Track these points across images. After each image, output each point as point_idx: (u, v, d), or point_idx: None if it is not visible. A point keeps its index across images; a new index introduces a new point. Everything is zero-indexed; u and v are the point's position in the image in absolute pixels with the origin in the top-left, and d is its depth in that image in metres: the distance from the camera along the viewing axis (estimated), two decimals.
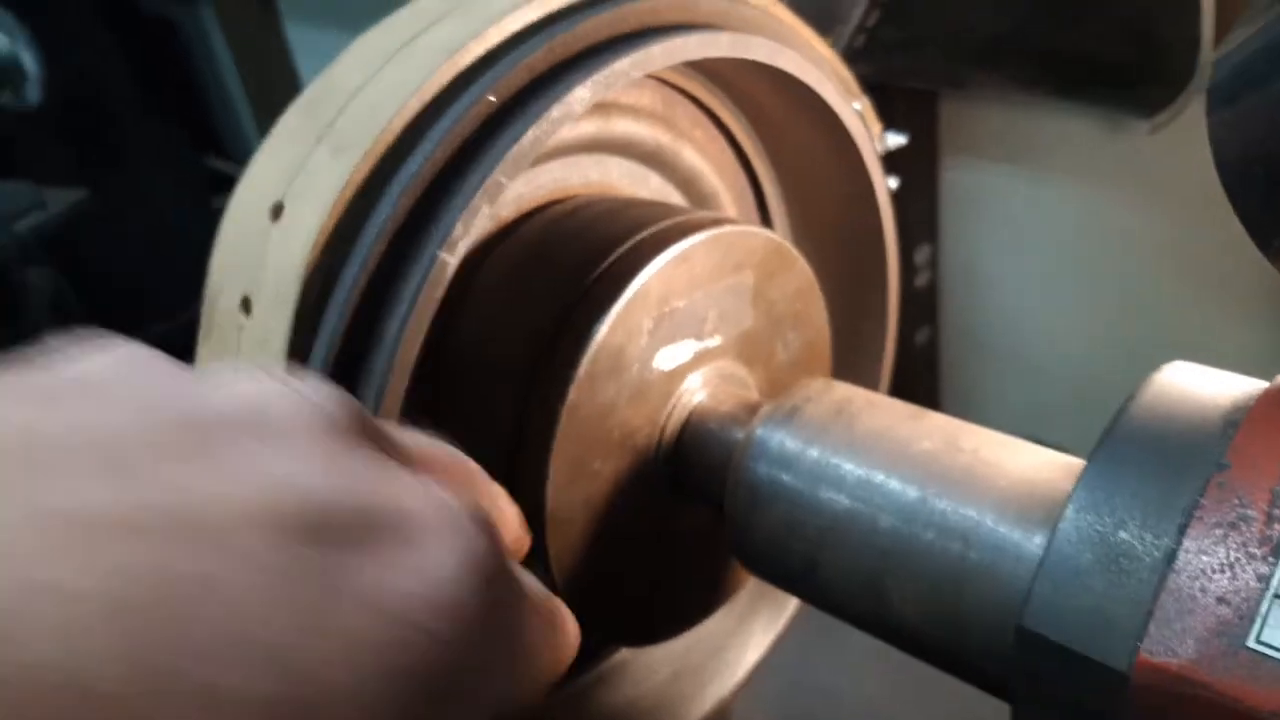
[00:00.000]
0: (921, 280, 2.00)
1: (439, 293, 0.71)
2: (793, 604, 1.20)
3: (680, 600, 1.01)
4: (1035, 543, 0.69)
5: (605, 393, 0.84)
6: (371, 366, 0.70)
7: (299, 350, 0.71)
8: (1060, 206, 1.84)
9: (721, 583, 1.04)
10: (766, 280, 0.95)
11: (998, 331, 2.06)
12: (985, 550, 0.71)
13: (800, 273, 0.99)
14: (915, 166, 1.87)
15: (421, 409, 0.87)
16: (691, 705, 1.15)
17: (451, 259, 0.71)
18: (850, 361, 1.19)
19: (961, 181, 1.92)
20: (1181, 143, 1.59)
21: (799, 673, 1.80)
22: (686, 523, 0.97)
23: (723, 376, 0.94)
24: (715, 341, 0.92)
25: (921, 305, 2.02)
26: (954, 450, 0.77)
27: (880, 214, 1.11)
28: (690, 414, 0.92)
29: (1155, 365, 0.70)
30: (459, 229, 0.71)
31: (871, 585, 0.76)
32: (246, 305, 0.74)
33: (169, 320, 4.19)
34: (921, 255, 1.98)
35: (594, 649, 1.15)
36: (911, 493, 0.76)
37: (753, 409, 0.90)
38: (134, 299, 4.07)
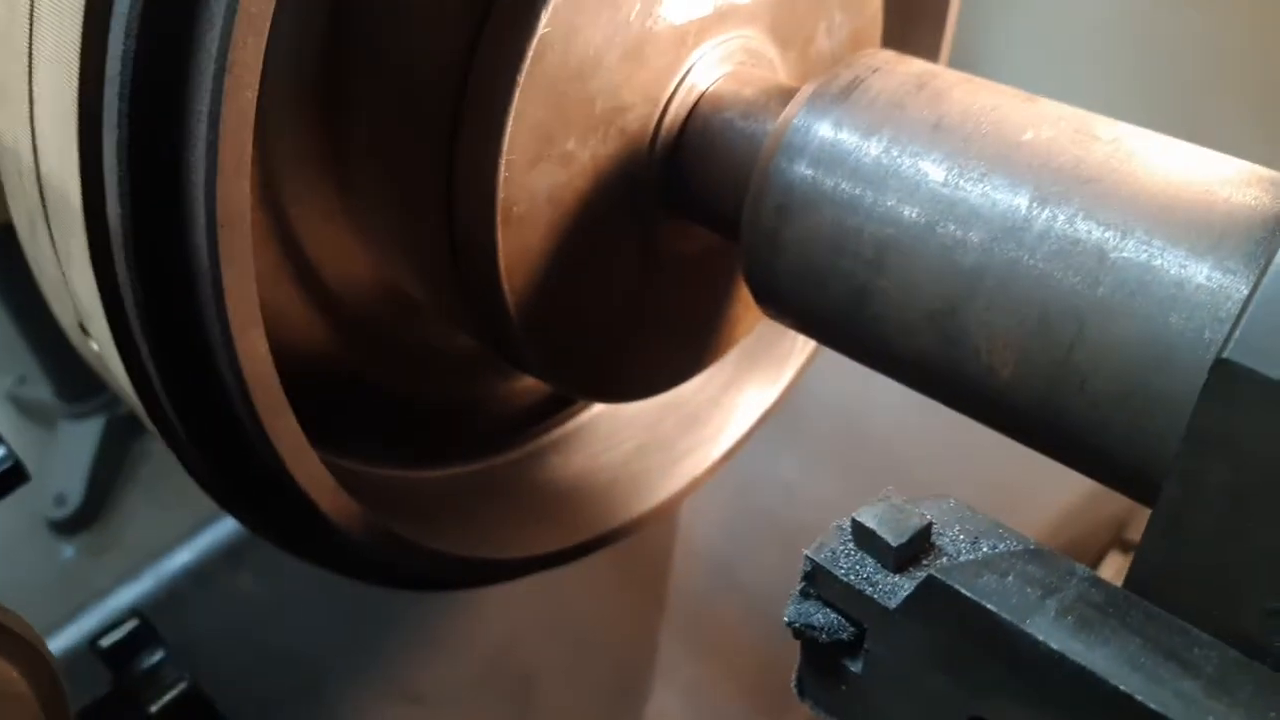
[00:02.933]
0: None
1: None
2: (789, 372, 1.00)
3: (661, 351, 0.79)
4: (1210, 267, 0.47)
5: (592, 34, 0.59)
6: None
7: None
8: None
9: (713, 336, 0.82)
10: None
11: None
12: (1127, 274, 0.50)
13: None
14: None
15: (325, 45, 0.62)
16: (660, 482, 0.96)
17: None
18: None
19: None
20: None
21: (759, 468, 1.64)
22: (679, 250, 0.74)
23: (748, 53, 0.70)
24: None
25: None
26: (1085, 140, 0.54)
27: None
28: (702, 97, 0.68)
29: None
30: None
31: (947, 320, 0.55)
32: None
33: None
34: None
35: (550, 405, 0.94)
36: (1021, 196, 0.53)
37: (786, 95, 0.66)
38: None
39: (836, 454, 1.67)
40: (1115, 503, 1.49)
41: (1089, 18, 1.62)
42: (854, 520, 0.43)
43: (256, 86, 0.47)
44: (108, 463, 2.87)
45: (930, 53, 0.94)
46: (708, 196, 0.68)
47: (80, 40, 0.46)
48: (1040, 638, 0.37)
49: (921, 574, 0.41)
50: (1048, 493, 1.50)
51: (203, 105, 0.46)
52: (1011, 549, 0.42)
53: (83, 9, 0.46)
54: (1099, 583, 0.41)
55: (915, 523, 0.42)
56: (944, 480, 1.57)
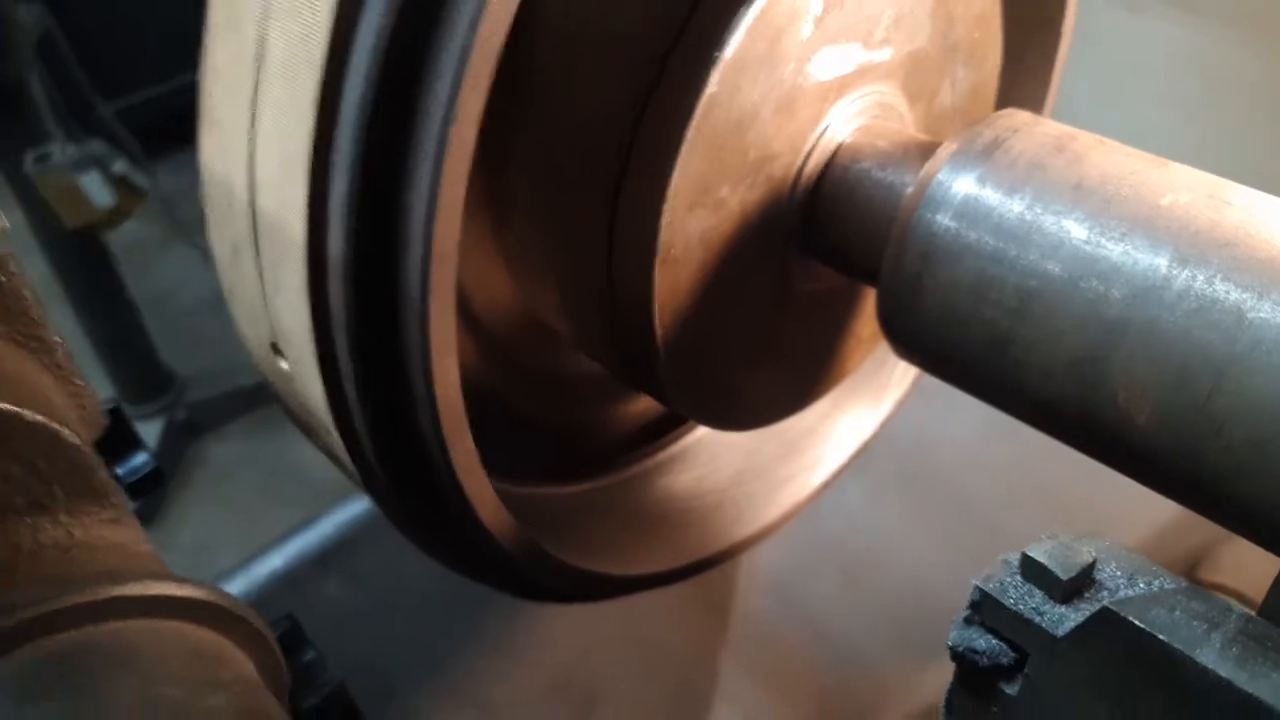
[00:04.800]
0: None
1: None
2: (888, 404, 1.04)
3: (781, 383, 0.84)
4: None
5: (751, 91, 0.64)
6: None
7: None
8: (1158, 35, 1.60)
9: (826, 370, 0.86)
10: None
11: None
12: (1263, 333, 0.53)
13: None
14: None
15: (507, 87, 0.67)
16: (760, 509, 0.99)
17: None
18: None
19: None
20: None
21: (824, 495, 1.67)
22: (806, 288, 0.78)
23: (882, 106, 0.74)
24: (884, 55, 0.71)
25: None
26: (1219, 205, 0.58)
27: None
28: (840, 147, 0.72)
29: None
30: None
31: (1087, 368, 0.59)
32: None
33: (161, 83, 3.86)
34: None
35: (656, 427, 0.99)
36: (1162, 256, 0.57)
37: (925, 148, 0.70)
38: (126, 52, 3.75)
39: (902, 483, 1.69)
40: (1185, 541, 1.50)
41: (1157, 54, 1.63)
42: (1024, 555, 0.47)
43: (475, 135, 0.52)
44: (165, 465, 2.94)
45: (1036, 101, 0.98)
46: (843, 239, 0.73)
47: (318, 90, 0.51)
48: (1210, 667, 0.41)
49: (1087, 606, 0.45)
50: (1118, 529, 1.51)
51: (429, 150, 0.51)
52: (1167, 586, 0.46)
53: (322, 62, 0.51)
54: (1254, 619, 0.44)
55: (1082, 559, 0.46)
56: (1010, 513, 1.59)
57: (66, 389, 0.48)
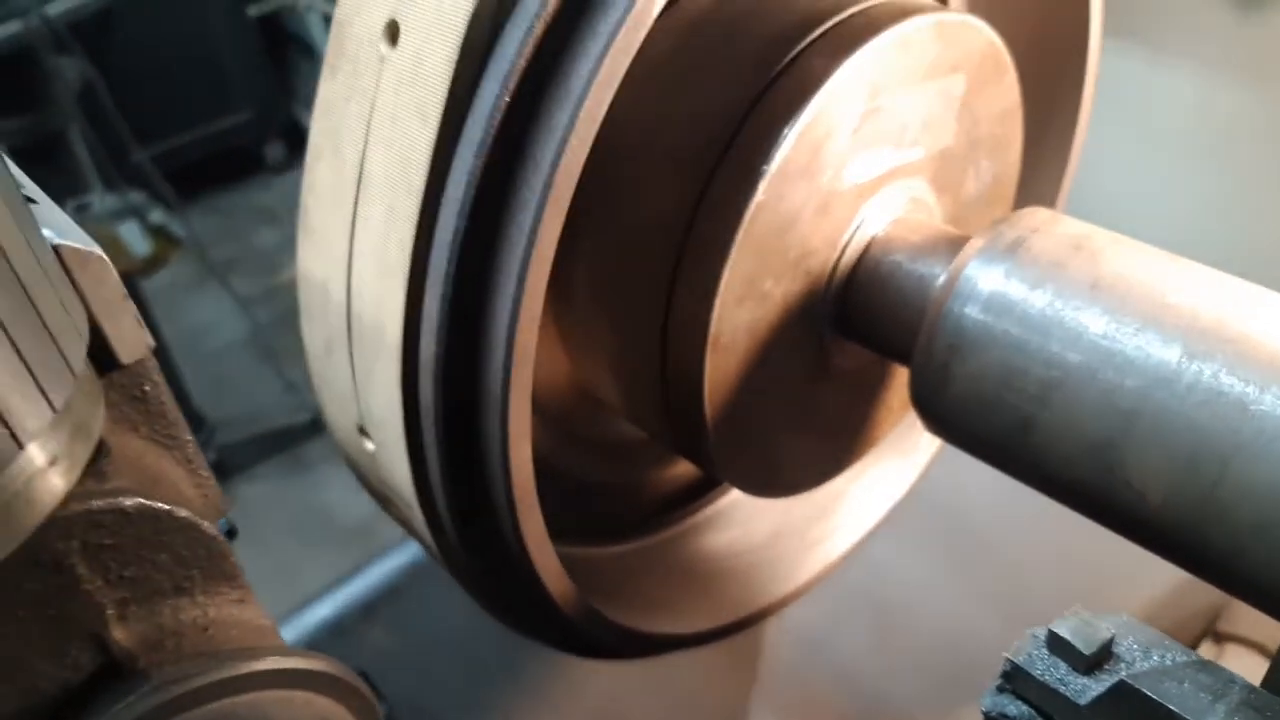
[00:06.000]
0: None
1: (641, 32, 0.57)
2: (917, 467, 1.09)
3: (815, 452, 0.89)
4: None
5: (793, 198, 0.70)
6: (551, 121, 0.56)
7: (462, 90, 0.57)
8: (1175, 89, 1.66)
9: (857, 438, 0.92)
10: (976, 91, 0.80)
11: (1089, 215, 1.90)
12: (1264, 423, 0.59)
13: (1009, 90, 0.84)
14: None
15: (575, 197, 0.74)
16: (792, 570, 1.05)
17: None
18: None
19: None
20: None
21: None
22: (841, 366, 0.84)
23: (912, 200, 0.80)
24: (915, 155, 0.78)
25: None
26: (1227, 302, 0.64)
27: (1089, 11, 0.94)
28: (871, 241, 0.78)
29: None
30: None
31: (1104, 452, 0.64)
32: (392, 32, 0.60)
33: (196, 130, 3.96)
34: None
35: (694, 489, 1.04)
36: (1172, 350, 0.63)
37: (953, 241, 0.76)
38: (165, 102, 3.88)
39: (928, 534, 1.73)
40: (1208, 594, 1.54)
41: (1170, 104, 1.68)
42: (1050, 630, 0.52)
43: (552, 255, 0.58)
44: None
45: (1055, 179, 1.04)
46: (877, 325, 0.79)
47: (416, 215, 0.58)
48: None
49: (1107, 677, 0.50)
50: (1140, 582, 1.54)
51: (513, 268, 0.57)
52: (1179, 660, 0.51)
53: (421, 191, 0.58)
54: (1255, 690, 0.49)
55: (1103, 635, 0.51)
56: (1037, 564, 1.63)
57: (195, 480, 0.54)
